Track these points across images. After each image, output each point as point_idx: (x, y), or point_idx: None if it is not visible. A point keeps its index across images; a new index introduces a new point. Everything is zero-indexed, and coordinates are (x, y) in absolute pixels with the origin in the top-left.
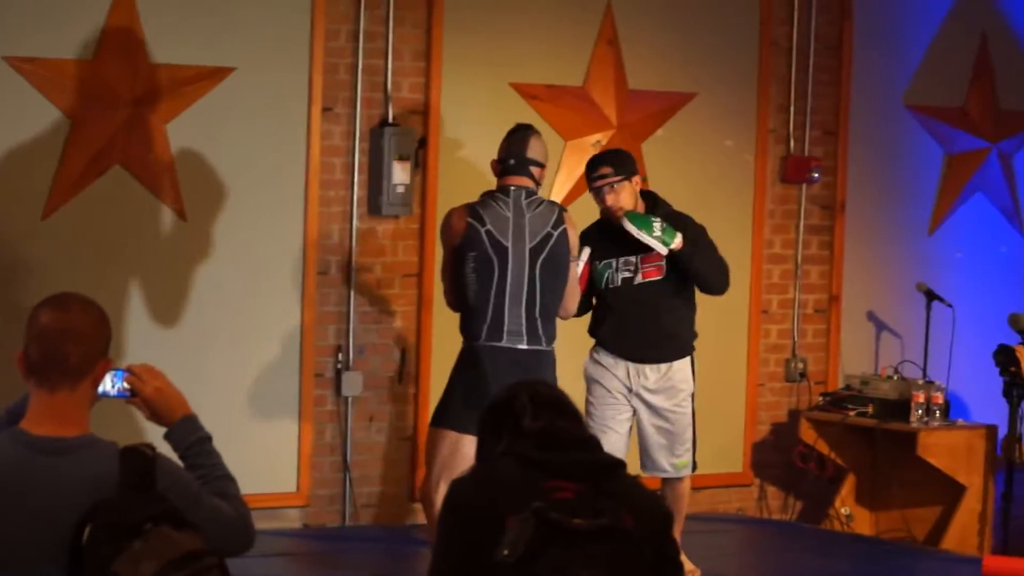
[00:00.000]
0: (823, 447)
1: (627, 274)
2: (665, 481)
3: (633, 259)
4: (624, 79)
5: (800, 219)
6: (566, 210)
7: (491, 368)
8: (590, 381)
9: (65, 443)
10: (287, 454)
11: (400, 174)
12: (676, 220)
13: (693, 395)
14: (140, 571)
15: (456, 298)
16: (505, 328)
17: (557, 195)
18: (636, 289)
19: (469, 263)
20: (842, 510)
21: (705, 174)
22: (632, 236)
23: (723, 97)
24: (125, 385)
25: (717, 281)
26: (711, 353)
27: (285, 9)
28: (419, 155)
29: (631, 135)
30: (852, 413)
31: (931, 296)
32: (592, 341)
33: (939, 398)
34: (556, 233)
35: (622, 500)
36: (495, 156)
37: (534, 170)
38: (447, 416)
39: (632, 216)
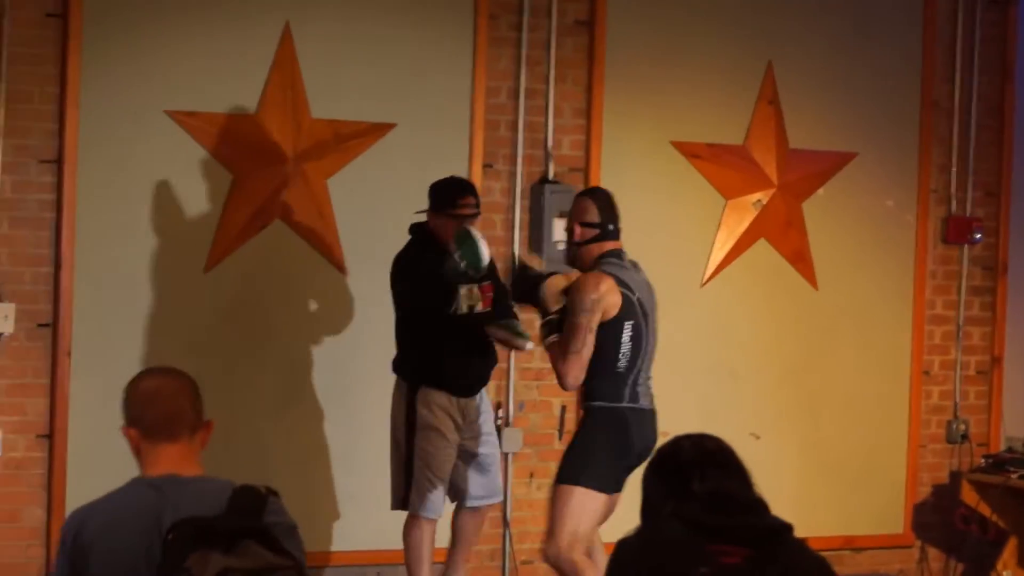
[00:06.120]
0: (985, 509)
1: (471, 302)
2: (476, 511)
3: (476, 288)
4: (785, 138)
5: (962, 280)
6: None
7: (636, 430)
8: (427, 429)
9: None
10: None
11: (560, 231)
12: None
13: None
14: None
15: (588, 367)
16: (640, 391)
17: (718, 253)
18: (476, 318)
19: (626, 331)
20: (1004, 573)
21: (866, 234)
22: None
23: (884, 157)
24: None
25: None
26: (873, 414)
27: (446, 66)
28: None
29: (791, 194)
30: (1014, 476)
31: None
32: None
33: None
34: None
35: (789, 565)
36: (608, 216)
37: None
38: (589, 475)
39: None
